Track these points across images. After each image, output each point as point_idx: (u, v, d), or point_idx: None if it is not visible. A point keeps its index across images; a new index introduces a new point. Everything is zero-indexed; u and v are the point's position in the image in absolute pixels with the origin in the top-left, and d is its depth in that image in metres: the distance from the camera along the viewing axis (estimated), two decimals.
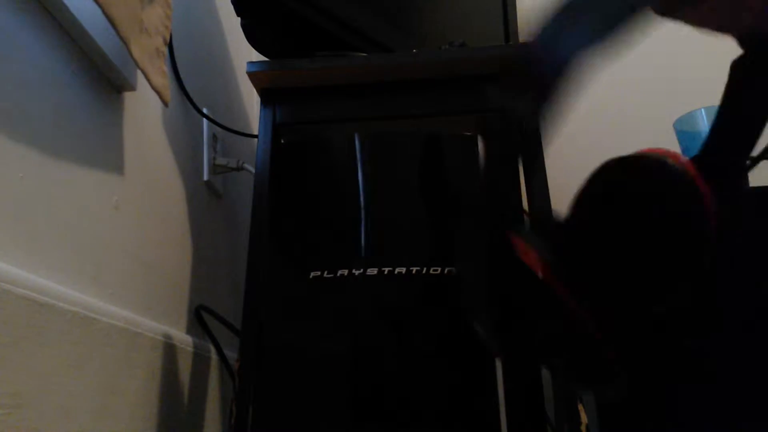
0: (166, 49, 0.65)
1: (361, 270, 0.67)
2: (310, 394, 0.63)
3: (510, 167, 0.73)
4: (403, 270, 0.66)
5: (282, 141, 0.76)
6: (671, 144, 1.28)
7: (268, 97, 0.78)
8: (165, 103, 0.64)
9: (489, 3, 1.02)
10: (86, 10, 0.53)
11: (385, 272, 0.66)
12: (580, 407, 0.63)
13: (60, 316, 0.46)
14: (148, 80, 0.59)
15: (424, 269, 0.66)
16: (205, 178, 0.89)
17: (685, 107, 1.29)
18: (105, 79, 0.60)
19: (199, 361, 0.78)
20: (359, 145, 0.71)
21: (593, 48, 0.34)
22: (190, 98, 0.84)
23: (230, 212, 1.02)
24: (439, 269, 0.66)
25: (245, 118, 1.17)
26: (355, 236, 0.68)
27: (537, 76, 0.37)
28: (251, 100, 1.24)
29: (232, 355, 0.91)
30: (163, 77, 0.63)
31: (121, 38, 0.53)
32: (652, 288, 0.33)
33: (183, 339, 0.73)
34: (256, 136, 0.93)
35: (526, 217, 1.15)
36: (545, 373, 0.64)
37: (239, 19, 0.83)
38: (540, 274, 0.33)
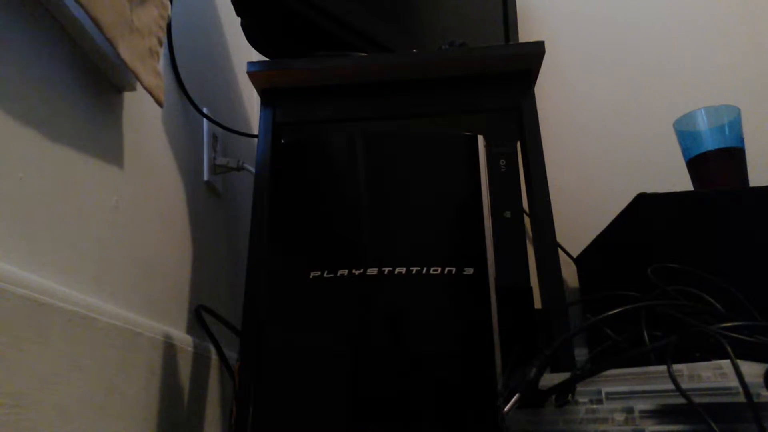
0: (160, 50, 0.65)
1: (361, 270, 0.67)
2: (310, 394, 0.63)
3: (510, 167, 0.73)
4: (403, 270, 0.66)
5: (282, 141, 0.76)
6: (671, 144, 1.29)
7: (268, 97, 0.78)
8: (158, 103, 0.64)
9: (489, 3, 1.02)
10: None
11: (385, 272, 0.66)
12: None
13: (60, 316, 0.46)
14: (139, 80, 0.59)
15: (424, 269, 0.66)
16: (205, 178, 0.89)
17: (685, 107, 1.29)
18: (105, 79, 0.60)
19: (199, 361, 0.78)
20: (359, 145, 0.71)
21: None
22: (190, 98, 0.84)
23: (230, 212, 1.02)
24: (439, 269, 0.66)
25: (245, 118, 1.17)
26: (355, 236, 0.68)
27: None
28: (251, 100, 1.24)
29: (232, 355, 0.91)
30: (156, 77, 0.63)
31: (107, 38, 0.53)
32: None
33: (183, 339, 0.73)
34: (256, 136, 0.93)
35: (526, 217, 1.15)
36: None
37: (239, 19, 0.83)
38: None
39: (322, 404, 0.63)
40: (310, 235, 0.69)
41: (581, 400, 0.43)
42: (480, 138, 0.72)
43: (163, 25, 0.66)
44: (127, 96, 0.65)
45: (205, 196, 0.90)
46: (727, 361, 0.36)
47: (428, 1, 0.89)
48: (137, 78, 0.59)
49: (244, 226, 1.10)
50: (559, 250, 1.19)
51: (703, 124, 0.89)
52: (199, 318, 0.81)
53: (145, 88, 0.61)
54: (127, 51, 0.56)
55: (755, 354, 0.39)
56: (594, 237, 1.04)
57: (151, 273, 0.68)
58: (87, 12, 0.49)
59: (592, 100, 1.32)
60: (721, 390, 0.36)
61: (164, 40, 0.66)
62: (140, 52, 0.59)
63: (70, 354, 0.47)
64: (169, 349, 0.68)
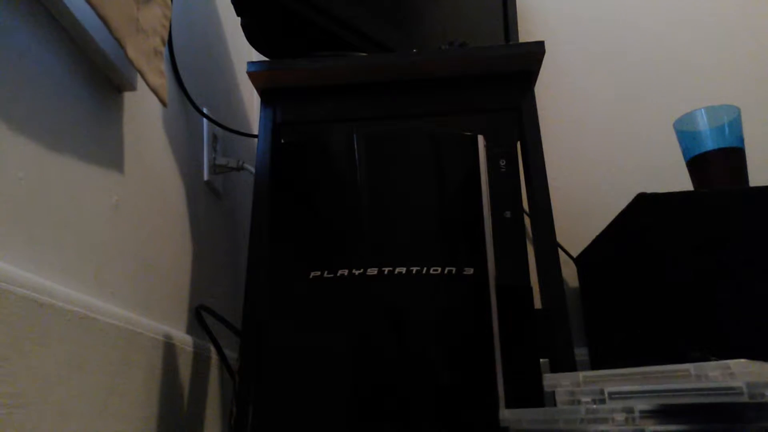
0: (164, 49, 0.65)
1: (361, 270, 0.67)
2: (310, 394, 0.63)
3: (510, 167, 0.73)
4: (403, 270, 0.66)
5: (282, 141, 0.76)
6: (671, 144, 1.29)
7: (268, 97, 0.78)
8: (163, 103, 0.64)
9: (489, 3, 1.02)
10: (86, 10, 0.53)
11: (385, 272, 0.66)
12: None
13: (60, 316, 0.46)
14: (145, 80, 0.59)
15: (424, 269, 0.66)
16: (205, 178, 0.89)
17: (685, 107, 1.29)
18: (105, 79, 0.60)
19: (199, 361, 0.78)
20: (359, 144, 0.71)
21: None
22: (190, 98, 0.84)
23: (230, 212, 1.02)
24: (439, 269, 0.66)
25: (245, 118, 1.17)
26: (355, 236, 0.68)
27: None
28: (251, 100, 1.24)
29: (232, 355, 0.91)
30: (160, 77, 0.63)
31: (116, 38, 0.53)
32: None
33: (183, 339, 0.73)
34: (256, 136, 0.93)
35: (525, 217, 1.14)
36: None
37: (239, 19, 0.83)
38: None
39: (322, 404, 0.63)
40: (310, 235, 0.69)
41: (582, 399, 0.43)
42: (480, 138, 0.72)
43: (167, 24, 0.65)
44: (127, 96, 0.65)
45: (205, 196, 0.90)
46: (735, 361, 0.36)
47: (428, 1, 0.89)
48: (143, 78, 0.59)
49: (244, 226, 1.10)
50: (559, 250, 1.19)
51: (703, 124, 0.89)
52: (199, 318, 0.81)
53: (150, 88, 0.61)
54: (133, 51, 0.56)
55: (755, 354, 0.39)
56: (594, 237, 1.03)
57: (151, 273, 0.68)
58: (96, 11, 0.49)
59: (592, 100, 1.32)
60: (727, 390, 0.36)
61: (167, 39, 0.66)
62: (146, 52, 0.59)
63: (70, 354, 0.47)
64: (169, 349, 0.68)
